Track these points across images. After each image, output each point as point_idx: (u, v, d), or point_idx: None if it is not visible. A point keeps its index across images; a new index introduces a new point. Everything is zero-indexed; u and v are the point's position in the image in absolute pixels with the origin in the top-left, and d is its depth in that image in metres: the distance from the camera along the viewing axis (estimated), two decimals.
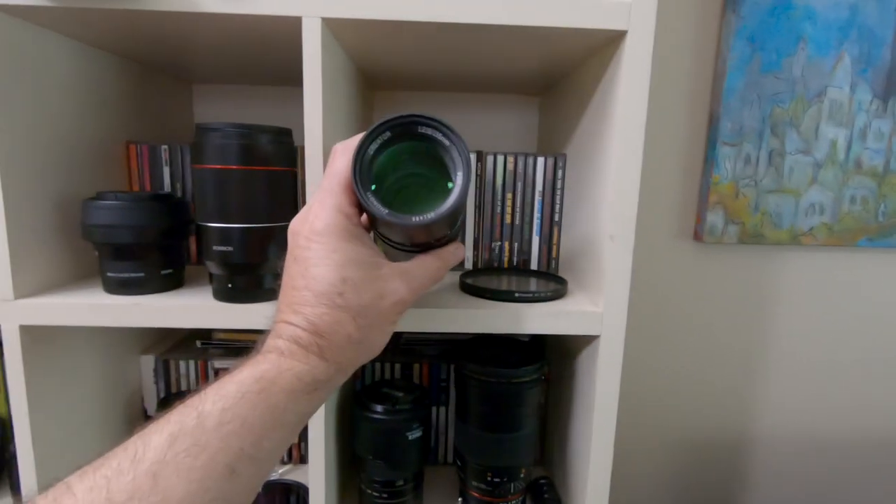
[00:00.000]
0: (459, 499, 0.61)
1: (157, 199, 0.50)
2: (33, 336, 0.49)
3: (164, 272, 0.51)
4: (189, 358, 0.69)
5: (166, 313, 0.48)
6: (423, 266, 0.38)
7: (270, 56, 0.59)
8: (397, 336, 0.73)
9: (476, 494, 0.58)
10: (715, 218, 0.82)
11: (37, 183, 0.49)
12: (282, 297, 0.35)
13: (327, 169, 0.36)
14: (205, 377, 0.69)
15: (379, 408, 0.56)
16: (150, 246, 0.50)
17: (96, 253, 0.50)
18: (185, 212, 0.53)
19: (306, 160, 0.46)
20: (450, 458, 0.72)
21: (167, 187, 0.62)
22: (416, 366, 0.70)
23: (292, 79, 0.70)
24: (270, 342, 0.33)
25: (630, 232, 0.47)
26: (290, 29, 0.45)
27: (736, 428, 0.94)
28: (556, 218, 0.63)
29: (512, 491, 0.57)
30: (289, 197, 0.50)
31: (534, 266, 0.64)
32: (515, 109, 0.82)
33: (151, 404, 0.70)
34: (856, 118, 0.80)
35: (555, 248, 0.64)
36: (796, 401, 0.93)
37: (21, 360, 0.47)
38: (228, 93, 0.80)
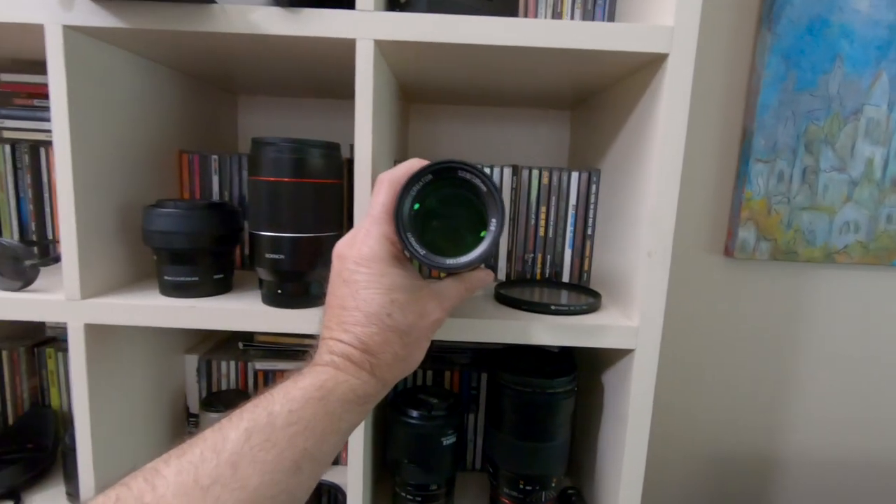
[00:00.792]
0: None
1: (212, 208, 0.53)
2: (95, 335, 0.52)
3: (216, 276, 0.54)
4: (230, 359, 0.72)
5: (219, 316, 0.50)
6: (455, 288, 0.41)
7: (317, 72, 0.62)
8: (430, 344, 0.75)
9: (507, 501, 0.59)
10: (746, 234, 0.82)
11: (103, 189, 0.52)
12: (329, 315, 0.38)
13: (373, 198, 0.39)
14: (244, 377, 0.72)
15: (415, 413, 0.58)
16: (204, 251, 0.52)
17: (155, 257, 0.53)
18: (237, 220, 0.56)
19: (355, 174, 0.48)
20: (479, 465, 0.73)
21: (216, 195, 0.65)
22: (448, 373, 0.71)
23: (334, 91, 0.74)
24: (326, 356, 0.36)
25: (667, 248, 0.48)
26: (342, 49, 0.47)
27: (766, 445, 0.93)
28: (589, 231, 0.64)
29: (543, 500, 0.58)
30: (336, 208, 0.52)
31: (565, 278, 0.65)
32: (547, 122, 0.83)
33: (194, 402, 0.73)
34: (893, 137, 0.80)
35: (587, 261, 0.65)
36: (827, 420, 0.91)
37: (84, 357, 0.50)
38: (272, 104, 0.83)
